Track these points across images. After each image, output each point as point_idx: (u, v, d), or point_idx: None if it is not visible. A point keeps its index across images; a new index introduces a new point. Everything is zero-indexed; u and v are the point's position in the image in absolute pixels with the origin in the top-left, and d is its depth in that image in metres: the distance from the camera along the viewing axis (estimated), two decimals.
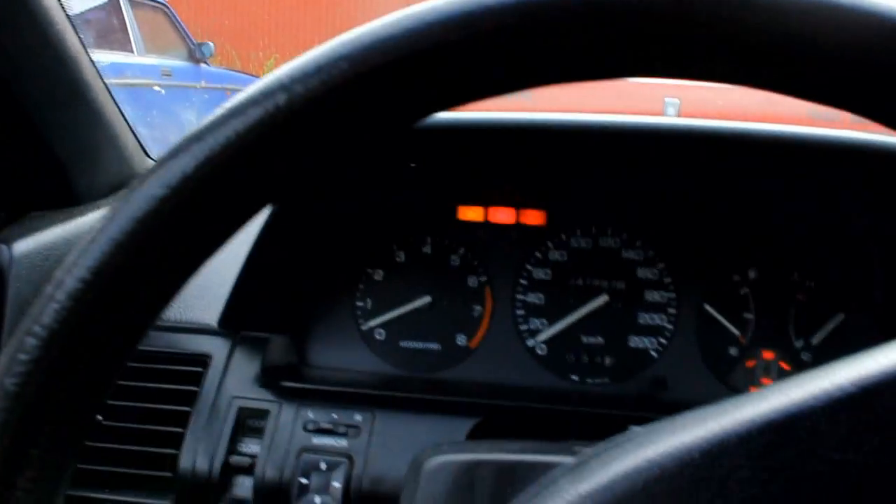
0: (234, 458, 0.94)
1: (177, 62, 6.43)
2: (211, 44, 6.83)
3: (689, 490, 0.26)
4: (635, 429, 0.34)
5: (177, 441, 0.95)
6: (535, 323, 1.10)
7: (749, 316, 1.08)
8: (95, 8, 5.58)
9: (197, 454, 0.94)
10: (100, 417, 0.96)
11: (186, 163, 0.30)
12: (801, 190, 1.05)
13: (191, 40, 6.68)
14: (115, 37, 5.75)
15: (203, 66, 6.76)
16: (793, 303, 1.08)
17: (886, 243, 1.02)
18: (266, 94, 0.30)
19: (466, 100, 0.32)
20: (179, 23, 6.64)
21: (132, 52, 5.90)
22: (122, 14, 5.81)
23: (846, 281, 1.07)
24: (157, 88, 5.87)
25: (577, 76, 0.31)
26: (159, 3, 6.51)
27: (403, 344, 1.11)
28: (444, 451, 0.67)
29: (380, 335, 1.11)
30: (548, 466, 0.44)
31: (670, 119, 0.91)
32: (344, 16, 10.97)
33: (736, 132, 0.93)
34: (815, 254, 1.08)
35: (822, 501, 0.25)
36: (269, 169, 0.31)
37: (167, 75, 6.15)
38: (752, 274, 1.09)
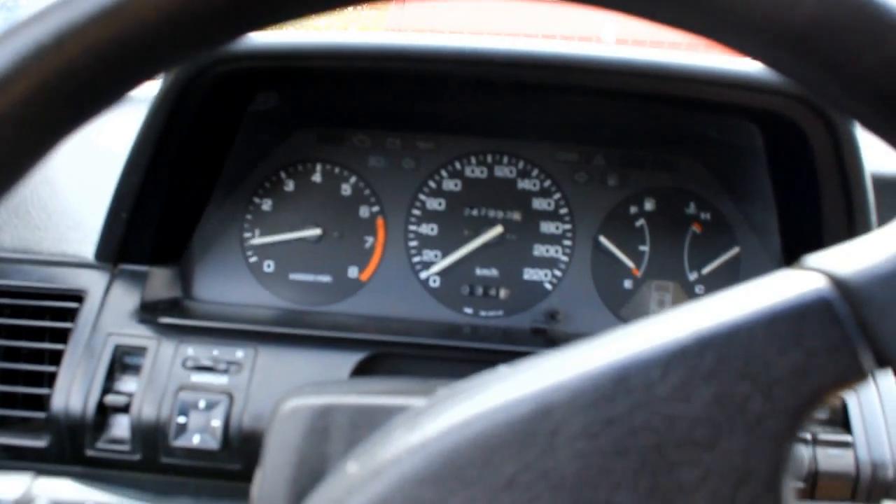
0: (110, 398, 0.90)
1: None
2: None
3: (519, 444, 0.25)
4: (502, 368, 0.33)
5: (50, 380, 0.91)
6: (429, 254, 1.08)
7: (644, 248, 1.08)
8: None
9: (70, 393, 0.90)
10: None
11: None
12: (696, 122, 1.04)
13: None
14: None
15: None
16: (688, 234, 1.08)
17: (779, 179, 1.02)
18: None
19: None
20: None
21: None
22: None
23: (742, 215, 1.07)
24: None
25: None
26: None
27: (293, 276, 1.08)
28: (301, 393, 0.64)
29: (268, 267, 1.08)
30: (404, 410, 0.43)
31: (567, 45, 0.87)
32: None
33: (627, 61, 0.90)
34: (712, 186, 1.08)
35: (651, 454, 0.25)
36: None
37: None
38: (648, 205, 1.09)
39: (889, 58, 0.27)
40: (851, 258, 0.26)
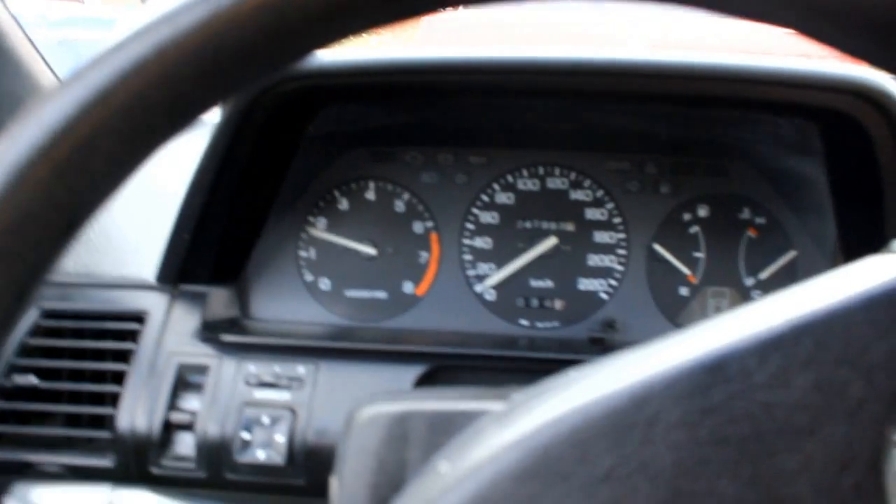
0: (175, 415, 0.91)
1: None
2: None
3: (616, 435, 0.25)
4: (571, 372, 0.33)
5: (115, 400, 0.92)
6: (483, 268, 1.08)
7: (699, 255, 1.07)
8: None
9: (136, 412, 0.91)
10: (35, 380, 0.93)
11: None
12: (749, 125, 1.04)
13: None
14: None
15: None
16: (743, 240, 1.07)
17: (837, 179, 1.01)
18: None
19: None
20: None
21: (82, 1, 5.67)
22: None
23: (797, 218, 1.06)
24: None
25: None
26: None
27: (349, 293, 1.08)
28: (377, 401, 0.65)
29: (325, 285, 1.09)
30: (482, 414, 0.43)
31: (613, 53, 0.87)
32: None
33: (684, 65, 0.90)
34: (765, 190, 1.07)
35: (751, 442, 0.25)
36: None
37: None
38: (702, 212, 1.08)
39: None
40: None
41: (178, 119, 0.29)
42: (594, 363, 0.31)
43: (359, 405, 0.64)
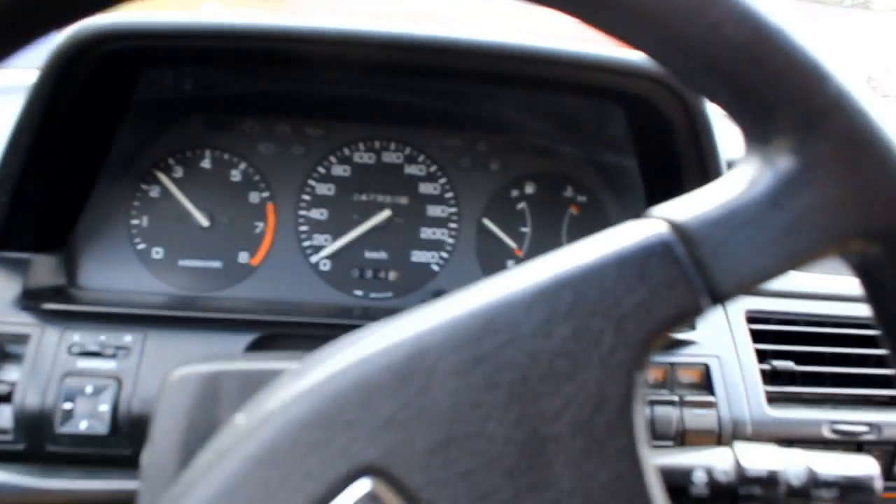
0: None
1: None
2: None
3: (397, 384, 0.27)
4: (361, 330, 0.35)
5: None
6: (319, 239, 1.10)
7: (525, 229, 1.13)
8: None
9: None
10: None
11: None
12: (571, 105, 1.10)
13: None
14: None
15: None
16: (566, 216, 1.14)
17: (644, 161, 1.09)
18: None
19: None
20: None
21: None
22: None
23: (615, 196, 1.14)
24: None
25: None
26: None
27: (183, 263, 1.07)
28: (189, 365, 0.66)
29: (157, 254, 1.07)
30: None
31: (445, 28, 0.90)
32: None
33: (502, 44, 0.94)
34: (587, 172, 1.14)
35: (517, 387, 0.27)
36: None
37: None
38: (528, 189, 1.14)
39: (713, 23, 0.30)
40: (688, 207, 0.30)
41: None
42: (383, 321, 0.33)
43: (173, 368, 0.65)
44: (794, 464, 0.65)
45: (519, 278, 0.29)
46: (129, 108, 1.02)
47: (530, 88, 0.99)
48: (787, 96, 0.27)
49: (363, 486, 0.27)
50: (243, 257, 1.08)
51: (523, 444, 0.27)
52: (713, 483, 0.60)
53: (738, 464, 0.61)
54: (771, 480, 0.64)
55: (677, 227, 0.29)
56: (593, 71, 0.90)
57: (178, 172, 1.09)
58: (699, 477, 0.61)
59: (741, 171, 0.29)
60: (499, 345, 0.27)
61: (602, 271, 0.28)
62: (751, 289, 0.28)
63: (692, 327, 0.95)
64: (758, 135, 0.28)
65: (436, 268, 1.11)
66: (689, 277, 0.28)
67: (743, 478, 0.62)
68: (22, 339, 0.91)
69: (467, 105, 1.12)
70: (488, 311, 0.28)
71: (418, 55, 0.90)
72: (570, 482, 0.27)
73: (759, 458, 0.66)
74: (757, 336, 0.98)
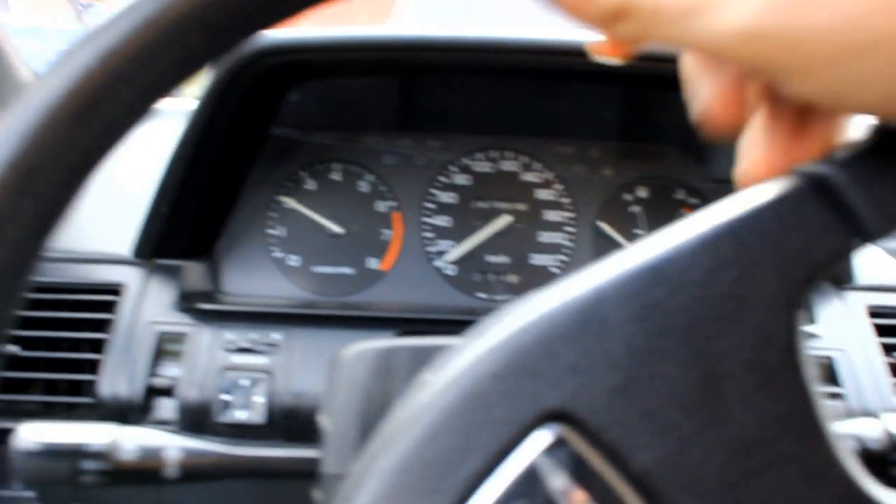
0: (156, 380, 0.96)
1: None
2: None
3: (577, 334, 0.29)
4: (532, 294, 0.39)
5: (94, 368, 0.97)
6: (443, 244, 1.16)
7: (640, 231, 1.17)
8: None
9: (117, 379, 0.96)
10: (17, 349, 0.97)
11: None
12: (670, 107, 1.13)
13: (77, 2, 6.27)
14: None
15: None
16: (678, 218, 1.17)
17: None
18: None
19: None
20: None
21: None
22: None
23: (724, 193, 1.16)
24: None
25: None
26: None
27: (316, 269, 1.15)
28: (360, 343, 0.71)
29: (293, 261, 1.15)
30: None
31: (535, 31, 0.95)
32: None
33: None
34: (697, 173, 1.17)
35: (688, 331, 0.29)
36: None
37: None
38: (641, 193, 1.18)
39: None
40: (833, 160, 0.31)
41: (185, 70, 0.33)
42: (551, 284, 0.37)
43: (343, 350, 0.71)
44: None
45: (681, 231, 0.31)
46: (273, 124, 1.11)
47: (658, 87, 1.02)
48: None
49: (550, 430, 0.29)
50: (373, 263, 1.15)
51: (698, 382, 0.28)
52: (864, 452, 0.62)
53: (888, 432, 0.62)
54: None
55: (824, 177, 0.30)
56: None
57: (311, 185, 1.16)
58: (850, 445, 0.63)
59: (877, 126, 0.32)
60: (668, 292, 0.29)
61: (759, 218, 0.30)
62: None
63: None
64: None
65: (556, 270, 1.16)
66: (843, 217, 0.30)
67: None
68: (180, 337, 0.99)
69: (578, 113, 1.16)
70: (656, 263, 0.30)
71: (559, 59, 0.94)
72: (745, 416, 0.28)
73: None
74: (881, 330, 0.99)
